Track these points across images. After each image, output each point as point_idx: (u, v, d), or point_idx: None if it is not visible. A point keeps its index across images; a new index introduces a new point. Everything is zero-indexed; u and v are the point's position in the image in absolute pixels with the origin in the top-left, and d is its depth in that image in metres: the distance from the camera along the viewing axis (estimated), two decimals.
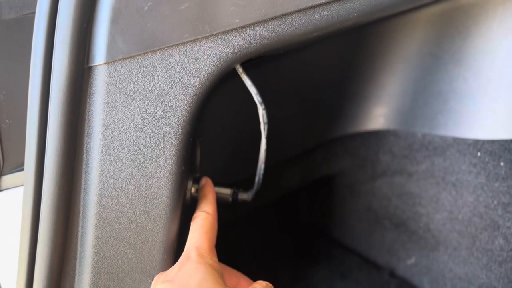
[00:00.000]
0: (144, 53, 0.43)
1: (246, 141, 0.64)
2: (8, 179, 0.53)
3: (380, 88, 0.75)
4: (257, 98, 0.50)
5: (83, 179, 0.46)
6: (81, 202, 0.46)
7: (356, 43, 0.70)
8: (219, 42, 0.44)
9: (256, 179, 0.56)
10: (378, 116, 0.76)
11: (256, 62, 0.56)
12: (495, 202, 0.64)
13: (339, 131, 0.80)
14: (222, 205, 0.59)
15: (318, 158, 0.84)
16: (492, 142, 0.64)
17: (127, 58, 0.43)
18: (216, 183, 0.57)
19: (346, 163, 0.84)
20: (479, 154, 0.65)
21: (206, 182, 0.53)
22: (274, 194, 0.84)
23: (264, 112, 0.51)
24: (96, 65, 0.43)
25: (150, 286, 0.48)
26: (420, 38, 0.70)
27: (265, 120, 0.52)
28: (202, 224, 0.47)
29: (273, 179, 0.80)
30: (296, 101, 0.74)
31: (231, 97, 0.62)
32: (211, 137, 0.61)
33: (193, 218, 0.49)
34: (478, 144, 0.65)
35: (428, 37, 0.69)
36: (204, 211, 0.49)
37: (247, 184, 0.61)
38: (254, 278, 0.49)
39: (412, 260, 0.78)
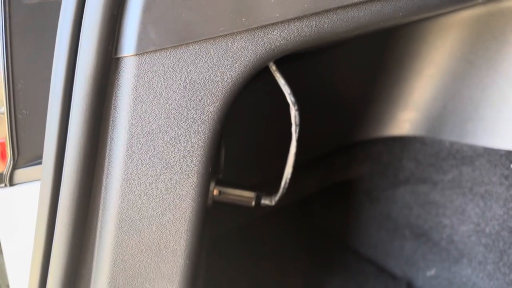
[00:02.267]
0: (177, 46, 0.40)
1: (268, 142, 0.61)
2: (22, 172, 0.50)
3: (408, 92, 0.72)
4: (290, 98, 0.48)
5: (104, 176, 0.43)
6: (102, 201, 0.43)
7: (386, 45, 0.68)
8: (256, 37, 0.41)
9: (283, 183, 0.54)
10: (404, 121, 0.74)
11: (287, 59, 0.53)
12: None
13: (361, 135, 0.78)
14: (238, 208, 0.56)
15: (338, 162, 0.81)
16: None
17: (158, 50, 0.40)
18: (238, 185, 0.54)
19: (367, 169, 0.81)
20: (511, 165, 0.63)
21: None
22: (290, 197, 0.81)
23: (297, 113, 0.48)
24: (125, 56, 0.40)
25: None
26: (452, 42, 0.67)
27: (297, 122, 0.49)
28: None
29: (290, 182, 0.77)
30: (319, 102, 0.71)
31: (253, 97, 0.60)
32: (236, 135, 0.59)
33: None
34: (511, 156, 0.63)
35: (461, 42, 0.66)
36: None
37: (264, 186, 0.59)
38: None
39: (432, 272, 0.75)
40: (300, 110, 0.66)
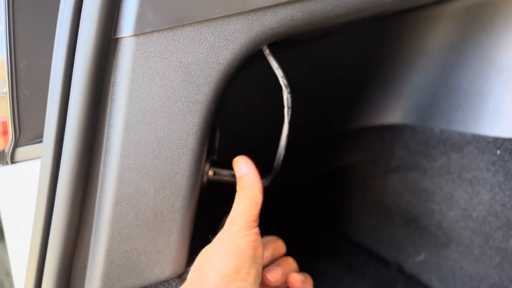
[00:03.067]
0: (173, 27, 0.42)
1: (265, 126, 0.63)
2: (23, 151, 0.52)
3: (399, 81, 0.74)
4: (283, 81, 0.49)
5: (103, 153, 0.45)
6: (100, 177, 0.45)
7: (379, 35, 0.69)
8: (250, 20, 0.43)
9: (275, 164, 0.55)
10: (396, 110, 0.76)
11: (281, 46, 0.55)
12: None
13: (354, 123, 0.79)
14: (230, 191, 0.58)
15: (331, 150, 0.83)
16: None
17: (155, 31, 0.42)
18: (232, 167, 0.56)
19: (359, 157, 0.83)
20: (498, 152, 0.64)
21: (244, 159, 0.51)
22: (283, 183, 0.83)
23: (289, 95, 0.50)
24: (124, 37, 0.42)
25: (165, 266, 0.48)
26: (443, 33, 0.69)
27: (290, 105, 0.51)
28: (249, 195, 0.47)
29: (283, 168, 0.79)
30: (313, 90, 0.73)
31: (253, 81, 0.61)
32: (230, 119, 0.60)
33: (241, 189, 0.49)
34: (498, 142, 0.65)
35: (451, 32, 0.68)
36: (251, 186, 0.48)
37: (261, 170, 0.60)
38: None
39: (421, 257, 0.77)
40: (293, 97, 0.68)
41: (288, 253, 0.78)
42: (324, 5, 0.44)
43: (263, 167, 0.61)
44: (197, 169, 0.47)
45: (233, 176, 0.56)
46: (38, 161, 0.47)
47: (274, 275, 0.50)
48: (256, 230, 0.46)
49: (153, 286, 0.48)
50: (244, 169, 0.50)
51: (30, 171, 0.52)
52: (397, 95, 0.75)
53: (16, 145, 0.51)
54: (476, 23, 0.65)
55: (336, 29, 0.59)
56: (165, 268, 0.48)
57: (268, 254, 0.51)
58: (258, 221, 0.48)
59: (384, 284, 0.78)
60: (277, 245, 0.53)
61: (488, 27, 0.64)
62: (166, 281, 0.49)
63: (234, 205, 0.48)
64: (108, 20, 0.41)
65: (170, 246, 0.47)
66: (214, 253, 0.45)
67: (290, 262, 0.53)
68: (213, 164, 0.55)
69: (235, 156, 0.60)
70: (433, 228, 0.74)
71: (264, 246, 0.51)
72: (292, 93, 0.51)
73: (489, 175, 0.65)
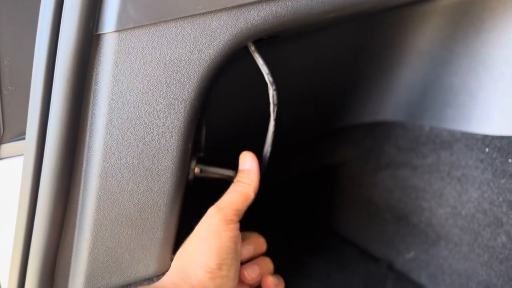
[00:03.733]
0: (156, 23, 0.42)
1: (253, 125, 0.62)
2: (8, 147, 0.52)
3: (390, 78, 0.73)
4: (268, 78, 0.49)
5: (86, 149, 0.44)
6: (83, 174, 0.45)
7: (369, 31, 0.69)
8: (233, 16, 0.43)
9: (262, 161, 0.55)
10: (387, 107, 0.75)
11: (267, 43, 0.55)
12: (500, 199, 0.63)
13: (345, 120, 0.79)
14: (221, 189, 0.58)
15: (322, 147, 0.82)
16: (501, 138, 0.63)
17: (137, 27, 0.41)
18: (219, 165, 0.56)
19: (350, 154, 0.83)
20: (487, 149, 0.64)
21: (251, 155, 0.52)
22: (273, 181, 0.83)
23: (274, 93, 0.50)
24: (105, 33, 0.42)
25: (149, 264, 0.48)
26: (433, 30, 0.68)
27: (275, 102, 0.50)
28: (243, 190, 0.49)
29: (274, 166, 0.79)
30: (304, 87, 0.73)
31: (239, 78, 0.61)
32: (217, 117, 0.60)
33: (238, 181, 0.50)
34: (486, 140, 0.64)
35: (442, 29, 0.68)
36: (248, 183, 0.50)
37: None
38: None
39: (411, 254, 0.77)
40: (284, 95, 0.67)
41: (279, 249, 0.78)
42: (308, 2, 0.43)
43: None
44: (182, 166, 0.47)
45: (220, 174, 0.56)
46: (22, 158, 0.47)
47: (251, 273, 0.50)
48: (237, 225, 0.47)
49: (137, 283, 0.48)
50: (248, 164, 0.51)
51: (15, 168, 0.52)
52: (387, 92, 0.74)
53: (0, 141, 0.51)
54: (465, 20, 0.65)
55: (322, 26, 0.58)
56: (149, 266, 0.48)
57: (251, 250, 0.52)
58: (241, 217, 0.48)
59: (374, 282, 0.78)
60: (259, 242, 0.54)
61: (478, 24, 0.64)
62: (150, 279, 0.48)
63: (225, 193, 0.49)
64: (89, 16, 0.41)
65: (154, 243, 0.47)
66: (197, 245, 0.45)
67: (268, 263, 0.54)
68: (200, 161, 0.55)
69: (223, 154, 0.60)
70: (423, 226, 0.74)
71: (246, 241, 0.51)
72: (279, 90, 0.51)
73: (478, 172, 0.65)
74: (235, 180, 0.51)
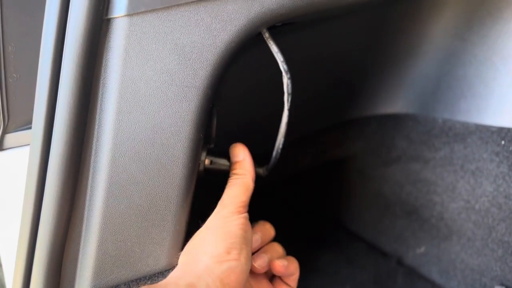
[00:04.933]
0: (168, 7, 0.40)
1: (264, 115, 0.61)
2: (12, 137, 0.50)
3: (402, 69, 0.72)
4: (282, 66, 0.47)
5: (94, 139, 0.43)
6: (92, 164, 0.43)
7: (382, 21, 0.67)
8: (249, 0, 0.41)
9: (274, 153, 0.53)
10: (398, 99, 0.74)
11: (281, 31, 0.53)
12: None
13: (355, 112, 0.78)
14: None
15: (332, 140, 0.81)
16: None
17: (149, 11, 0.40)
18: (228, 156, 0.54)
19: (360, 147, 0.81)
20: (503, 142, 0.63)
21: (242, 146, 0.52)
22: (282, 173, 0.81)
23: (289, 81, 0.48)
24: (116, 17, 0.40)
25: (159, 257, 0.46)
26: (447, 19, 0.67)
27: (290, 91, 0.49)
28: (242, 182, 0.49)
29: (283, 158, 0.77)
30: (315, 78, 0.71)
31: (251, 68, 0.59)
32: (228, 107, 0.58)
33: (234, 174, 0.50)
34: (502, 132, 0.63)
35: (456, 19, 0.66)
36: (244, 173, 0.50)
37: (260, 159, 0.59)
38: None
39: (421, 249, 0.76)
40: (294, 83, 0.66)
41: (287, 244, 0.76)
42: None
43: (262, 156, 0.60)
44: (193, 158, 0.45)
45: (230, 166, 0.54)
46: (28, 148, 0.45)
47: (260, 263, 0.49)
48: (246, 215, 0.47)
49: (147, 277, 0.47)
50: (241, 155, 0.51)
51: (20, 158, 0.50)
52: (399, 84, 0.73)
53: (5, 131, 0.50)
54: (481, 9, 0.63)
55: (338, 13, 0.57)
56: (160, 260, 0.46)
57: (257, 238, 0.51)
58: (247, 208, 0.48)
59: (383, 277, 0.77)
60: (265, 228, 0.53)
61: (495, 13, 0.62)
62: (160, 273, 0.47)
63: (226, 189, 0.49)
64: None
65: (165, 237, 0.46)
66: (204, 236, 0.45)
67: (277, 248, 0.53)
68: (210, 153, 0.53)
69: (227, 144, 0.58)
70: (434, 220, 0.73)
71: (253, 230, 0.50)
72: (292, 79, 0.50)
73: (493, 166, 0.64)
74: (231, 173, 0.51)
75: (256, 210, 0.86)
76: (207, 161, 0.53)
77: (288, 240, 0.85)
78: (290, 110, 0.52)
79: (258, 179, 0.58)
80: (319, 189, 0.91)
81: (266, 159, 0.57)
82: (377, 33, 0.67)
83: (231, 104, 0.63)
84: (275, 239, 0.57)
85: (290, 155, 0.80)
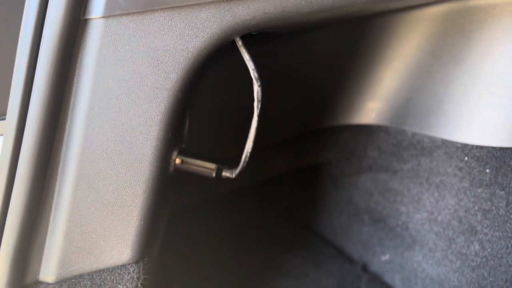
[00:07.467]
0: (143, 12, 0.42)
1: (237, 119, 0.63)
2: None
3: (376, 82, 0.74)
4: (253, 73, 0.49)
5: (66, 134, 0.44)
6: (62, 158, 0.45)
7: (357, 35, 0.70)
8: (221, 10, 0.43)
9: (243, 157, 0.55)
10: (371, 110, 0.76)
11: (256, 40, 0.55)
12: (476, 208, 0.65)
13: (330, 121, 0.80)
14: (203, 180, 0.58)
15: (307, 146, 0.83)
16: (481, 148, 0.64)
17: (125, 14, 0.41)
18: (201, 156, 0.56)
19: (334, 154, 0.84)
20: (466, 158, 0.65)
21: None
22: (257, 177, 0.83)
23: (259, 89, 0.50)
24: (93, 18, 0.42)
25: (123, 251, 0.48)
26: (422, 37, 0.69)
27: (259, 98, 0.51)
28: None
29: (258, 161, 0.79)
30: (291, 86, 0.73)
31: (227, 73, 0.61)
32: (202, 110, 0.60)
33: None
34: (466, 149, 0.65)
35: (430, 36, 0.69)
36: None
37: (233, 162, 0.60)
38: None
39: (386, 257, 0.78)
40: (271, 91, 0.68)
41: (258, 246, 0.78)
42: (297, 1, 0.44)
43: (234, 159, 0.62)
44: (161, 157, 0.47)
45: (201, 166, 0.56)
46: (2, 138, 0.47)
47: None
48: None
49: (110, 269, 0.48)
50: None
51: None
52: (373, 96, 0.75)
53: None
54: (453, 29, 0.66)
55: (312, 26, 0.59)
56: (123, 253, 0.48)
57: None
58: None
59: (348, 282, 0.79)
60: None
61: (466, 34, 0.65)
62: (123, 266, 0.49)
63: None
64: (77, 0, 0.41)
65: (129, 231, 0.47)
66: None
67: None
68: (182, 153, 0.55)
69: (206, 145, 0.60)
70: (400, 229, 0.75)
71: None
72: (264, 86, 0.51)
73: (456, 180, 0.66)
74: None
75: (231, 212, 0.88)
76: (178, 160, 0.54)
77: (260, 242, 0.87)
78: (261, 116, 0.54)
79: (231, 181, 0.60)
80: (293, 193, 0.94)
81: (238, 161, 0.59)
82: (352, 45, 0.70)
83: (209, 107, 0.65)
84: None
85: (266, 158, 0.83)
